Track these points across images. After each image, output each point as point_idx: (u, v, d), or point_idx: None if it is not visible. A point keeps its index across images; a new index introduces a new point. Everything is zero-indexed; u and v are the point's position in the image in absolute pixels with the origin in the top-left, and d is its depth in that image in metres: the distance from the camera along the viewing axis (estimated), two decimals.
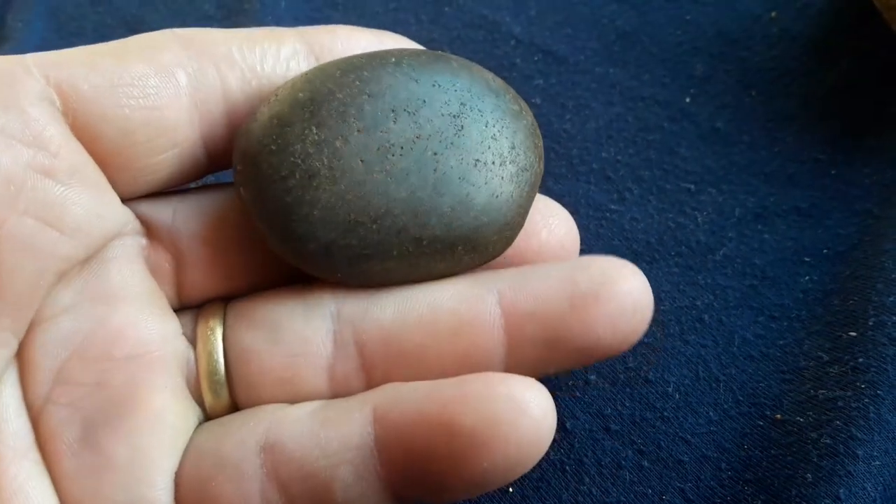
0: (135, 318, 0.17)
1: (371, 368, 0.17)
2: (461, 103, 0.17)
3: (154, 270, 0.18)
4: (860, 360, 0.19)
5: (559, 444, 0.20)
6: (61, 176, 0.15)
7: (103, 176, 0.16)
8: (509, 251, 0.18)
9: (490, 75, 0.17)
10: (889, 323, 0.19)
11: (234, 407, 0.18)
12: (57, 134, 0.15)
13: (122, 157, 0.16)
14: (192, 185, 0.19)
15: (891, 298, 0.20)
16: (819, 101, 0.24)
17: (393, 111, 0.16)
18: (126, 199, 0.17)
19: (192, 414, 0.17)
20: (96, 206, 0.16)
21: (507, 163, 0.17)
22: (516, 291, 0.17)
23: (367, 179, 0.16)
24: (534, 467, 0.19)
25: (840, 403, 0.18)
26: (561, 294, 0.16)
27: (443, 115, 0.16)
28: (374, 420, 0.16)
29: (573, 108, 0.25)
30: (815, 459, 0.18)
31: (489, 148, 0.17)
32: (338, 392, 0.17)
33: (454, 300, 0.17)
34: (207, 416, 0.18)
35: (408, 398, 0.16)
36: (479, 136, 0.17)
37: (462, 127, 0.16)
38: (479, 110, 0.17)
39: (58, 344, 0.16)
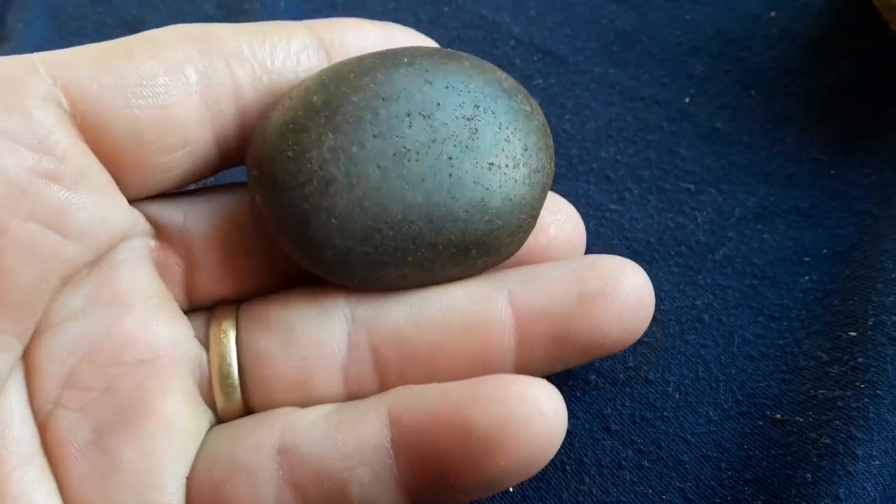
0: (144, 322, 0.17)
1: (385, 370, 0.17)
2: (475, 105, 0.16)
3: (164, 272, 0.18)
4: (860, 359, 0.19)
5: None
6: (66, 180, 0.15)
7: (110, 179, 0.16)
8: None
9: (502, 74, 0.17)
10: (889, 323, 0.19)
11: (246, 410, 0.18)
12: (62, 137, 0.15)
13: (132, 157, 0.16)
14: (203, 184, 0.19)
15: (890, 298, 0.20)
16: (819, 102, 0.24)
17: (408, 115, 0.16)
18: (137, 199, 0.17)
19: (203, 418, 0.17)
20: (102, 210, 0.16)
21: (521, 165, 0.17)
22: (525, 291, 0.17)
23: (384, 185, 0.16)
24: None
25: (840, 403, 0.18)
26: (569, 293, 0.17)
27: (457, 117, 0.16)
28: (390, 422, 0.16)
29: (573, 108, 0.25)
30: (814, 459, 0.18)
31: (503, 150, 0.17)
32: (352, 394, 0.17)
33: (465, 301, 0.17)
34: (219, 420, 0.18)
35: (423, 400, 0.16)
36: (493, 138, 0.17)
37: (476, 130, 0.16)
38: (493, 112, 0.17)
39: (66, 349, 0.16)
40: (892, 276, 0.20)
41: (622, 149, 0.24)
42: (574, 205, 0.20)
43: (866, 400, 0.18)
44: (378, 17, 0.28)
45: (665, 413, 0.20)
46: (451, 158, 0.16)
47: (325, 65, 0.18)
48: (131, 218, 0.17)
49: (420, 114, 0.16)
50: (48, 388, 0.16)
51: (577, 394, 0.20)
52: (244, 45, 0.17)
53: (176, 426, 0.16)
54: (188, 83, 0.16)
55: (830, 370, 0.19)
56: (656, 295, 0.18)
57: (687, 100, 0.25)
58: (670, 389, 0.20)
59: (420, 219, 0.16)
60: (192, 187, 0.19)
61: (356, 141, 0.16)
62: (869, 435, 0.18)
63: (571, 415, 0.20)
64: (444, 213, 0.16)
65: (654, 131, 0.25)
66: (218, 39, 0.17)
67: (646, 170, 0.24)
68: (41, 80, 0.15)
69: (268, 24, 0.18)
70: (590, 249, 0.20)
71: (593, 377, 0.20)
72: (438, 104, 0.16)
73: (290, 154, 0.16)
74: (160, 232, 0.18)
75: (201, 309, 0.18)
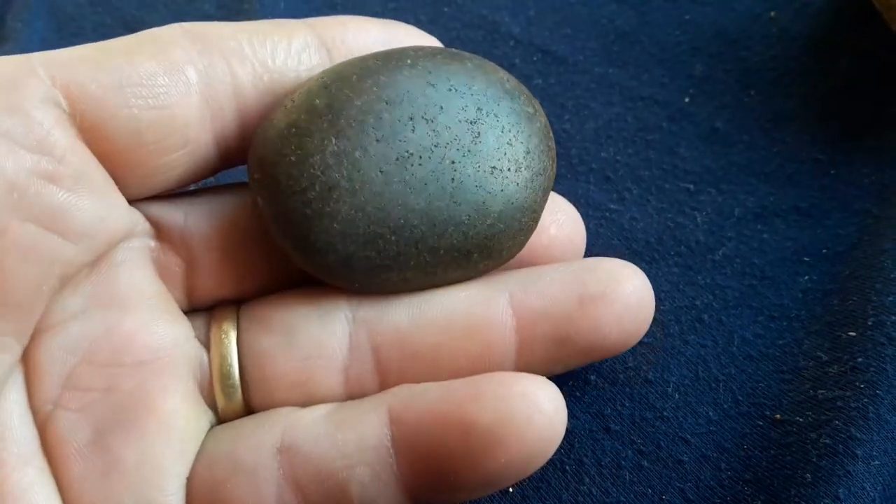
0: (144, 323, 0.17)
1: (386, 370, 0.17)
2: (478, 108, 0.16)
3: (164, 273, 0.18)
4: (859, 359, 0.19)
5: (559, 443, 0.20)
6: (65, 181, 0.15)
7: (109, 179, 0.16)
8: None
9: (504, 75, 0.17)
10: (888, 322, 0.19)
11: (247, 410, 0.18)
12: (62, 138, 0.15)
13: (132, 157, 0.16)
14: (203, 185, 0.19)
15: (890, 298, 0.20)
16: (818, 101, 0.24)
17: (411, 119, 0.16)
18: (137, 200, 0.17)
19: (203, 418, 0.17)
20: (101, 210, 0.16)
21: (523, 168, 0.17)
22: (526, 293, 0.17)
23: (386, 190, 0.16)
24: None
25: (839, 403, 0.18)
26: (569, 295, 0.17)
27: (460, 121, 0.16)
28: (390, 421, 0.16)
29: (572, 108, 0.25)
30: (814, 459, 0.18)
31: (505, 154, 0.17)
32: (353, 394, 0.17)
33: (467, 303, 0.17)
34: (220, 420, 0.18)
35: (423, 398, 0.16)
36: (495, 142, 0.16)
37: (479, 133, 0.16)
38: (496, 115, 0.17)
39: (66, 349, 0.16)
40: (892, 275, 0.20)
41: (622, 149, 0.24)
42: (574, 205, 0.20)
43: (866, 400, 0.18)
44: (377, 17, 0.28)
45: (665, 413, 0.20)
46: (453, 163, 0.16)
47: (327, 64, 0.17)
48: (131, 218, 0.17)
49: (423, 117, 0.16)
50: (48, 389, 0.16)
51: (577, 394, 0.20)
52: (245, 45, 0.17)
53: (176, 426, 0.16)
54: (188, 83, 0.16)
55: (830, 370, 0.19)
56: (656, 295, 0.18)
57: (687, 100, 0.25)
58: (670, 389, 0.20)
59: (422, 223, 0.16)
60: (193, 188, 0.19)
61: (359, 145, 0.16)
62: (868, 435, 0.18)
63: (571, 415, 0.20)
64: (447, 217, 0.16)
65: (653, 131, 0.25)
66: (218, 38, 0.17)
67: (645, 170, 0.24)
68: (40, 80, 0.15)
69: (269, 23, 0.17)
70: (590, 249, 0.20)
71: (593, 377, 0.20)
72: (441, 107, 0.16)
73: (292, 158, 0.16)
74: (160, 232, 0.18)
75: (201, 309, 0.18)
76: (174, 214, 0.18)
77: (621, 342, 0.17)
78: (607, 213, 0.23)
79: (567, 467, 0.19)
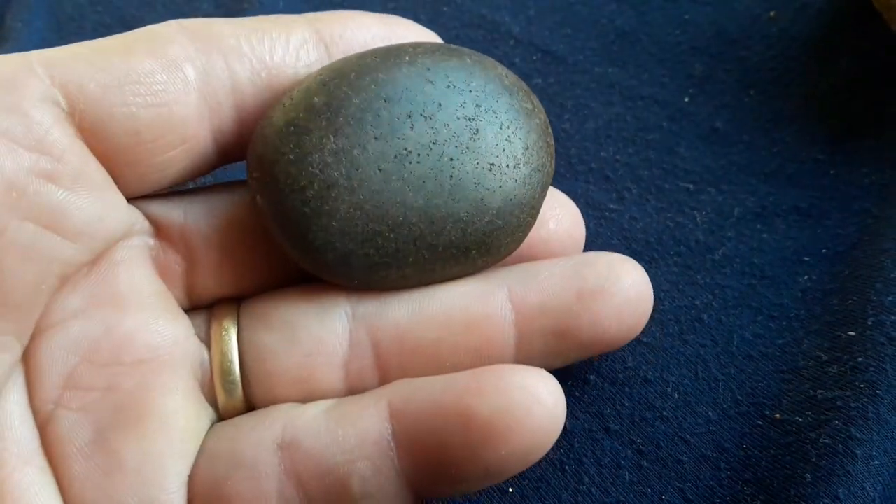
0: (144, 322, 0.17)
1: (386, 366, 0.17)
2: (476, 105, 0.16)
3: (164, 271, 0.18)
4: (859, 359, 0.19)
5: (559, 443, 0.20)
6: (64, 180, 0.15)
7: (108, 178, 0.16)
8: None
9: (503, 71, 0.17)
10: (888, 322, 0.19)
11: (248, 407, 0.18)
12: (60, 137, 0.15)
13: (131, 155, 0.16)
14: (202, 183, 0.19)
15: (889, 298, 0.20)
16: (818, 101, 0.24)
17: (409, 116, 0.16)
18: (136, 197, 0.17)
19: (204, 416, 0.17)
20: (99, 209, 0.16)
21: (521, 165, 0.17)
22: (525, 287, 0.17)
23: (385, 188, 0.16)
24: (533, 467, 0.19)
25: (839, 403, 0.18)
26: (568, 289, 0.17)
27: (458, 118, 0.16)
28: (390, 415, 0.16)
29: (572, 108, 0.25)
30: (813, 459, 0.18)
31: (504, 151, 0.17)
32: (353, 389, 0.17)
33: (466, 298, 0.17)
34: (220, 417, 0.18)
35: (423, 392, 0.16)
36: (494, 139, 0.16)
37: (477, 130, 0.16)
38: (494, 111, 0.17)
39: (67, 349, 0.16)
40: (892, 275, 0.20)
41: (621, 148, 0.24)
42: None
43: (865, 400, 0.18)
44: None
45: (664, 413, 0.20)
46: (452, 160, 0.16)
47: (325, 60, 0.17)
48: (130, 217, 0.17)
49: (421, 115, 0.16)
50: (48, 389, 0.16)
51: (577, 393, 0.20)
52: (243, 41, 0.17)
53: (177, 425, 0.16)
54: (186, 80, 0.16)
55: (830, 370, 0.19)
56: (655, 295, 0.18)
57: (686, 99, 0.25)
58: (669, 389, 0.20)
59: (421, 221, 0.16)
60: (191, 186, 0.19)
61: (357, 143, 0.16)
62: (868, 435, 0.18)
63: (571, 415, 0.20)
64: (445, 214, 0.16)
65: (653, 131, 0.25)
66: (216, 35, 0.17)
67: (645, 169, 0.24)
68: (39, 79, 0.15)
69: (267, 19, 0.17)
70: (589, 249, 0.20)
71: (592, 377, 0.20)
72: (440, 105, 0.16)
73: (291, 157, 0.16)
74: (160, 231, 0.18)
75: (202, 307, 0.18)
76: (174, 213, 0.18)
77: (620, 336, 0.17)
78: (607, 213, 0.23)
79: (566, 467, 0.19)
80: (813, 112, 0.24)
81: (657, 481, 0.19)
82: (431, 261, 0.17)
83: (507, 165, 0.17)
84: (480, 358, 0.17)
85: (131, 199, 0.17)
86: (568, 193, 0.20)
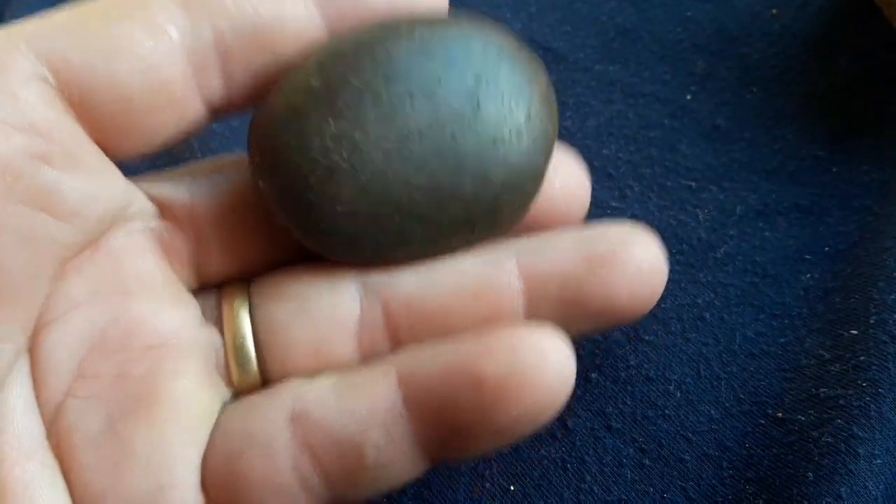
0: (152, 308, 0.17)
1: (397, 334, 0.17)
2: (476, 76, 0.16)
3: (172, 252, 0.18)
4: (861, 358, 0.19)
5: (560, 442, 0.20)
6: (56, 160, 0.15)
7: (102, 155, 0.16)
8: None
9: (504, 37, 0.17)
10: (890, 321, 0.19)
11: (263, 383, 0.17)
12: (51, 116, 0.15)
13: (123, 122, 0.16)
14: (207, 172, 0.19)
15: (892, 296, 0.20)
16: (820, 99, 0.24)
17: (410, 95, 0.16)
18: (130, 160, 0.17)
19: (217, 398, 0.17)
20: (93, 188, 0.16)
21: (524, 135, 0.16)
22: (534, 256, 0.17)
23: (388, 170, 0.16)
24: (535, 465, 0.19)
25: (841, 402, 0.18)
26: (578, 256, 0.17)
27: (459, 92, 0.16)
28: (399, 381, 0.16)
29: (573, 106, 0.25)
30: (816, 458, 0.18)
31: (506, 122, 0.16)
32: (366, 359, 0.17)
33: (474, 266, 0.17)
34: (237, 396, 0.17)
35: (432, 356, 0.16)
36: (495, 111, 0.16)
37: (478, 103, 0.16)
38: (495, 82, 0.16)
39: (74, 340, 0.16)
40: (894, 273, 0.20)
41: (623, 146, 0.24)
42: None
43: (868, 398, 0.18)
44: None
45: (666, 411, 0.20)
46: (454, 136, 0.16)
47: (316, 15, 0.17)
48: (127, 195, 0.17)
49: (421, 92, 0.16)
50: (56, 381, 0.16)
51: (578, 392, 0.20)
52: None
53: (188, 408, 0.16)
54: (171, 41, 0.16)
55: (832, 368, 0.19)
56: None
57: (688, 97, 0.25)
58: (671, 388, 0.20)
59: (426, 200, 0.16)
60: (194, 182, 0.19)
61: (358, 126, 0.16)
62: (871, 433, 0.18)
63: (573, 413, 0.20)
64: (450, 191, 0.16)
65: (655, 128, 0.24)
66: None
67: (647, 167, 0.24)
68: (24, 56, 0.15)
69: None
70: None
71: (594, 375, 0.20)
72: (440, 80, 0.16)
73: (291, 143, 0.16)
74: (165, 212, 0.18)
75: (211, 288, 0.18)
76: (179, 193, 0.18)
77: (632, 307, 0.17)
78: (609, 211, 0.23)
79: (568, 465, 0.19)
80: (814, 109, 0.24)
81: (659, 480, 0.19)
82: (438, 238, 0.17)
83: (510, 137, 0.16)
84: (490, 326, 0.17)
85: (125, 165, 0.17)
86: None
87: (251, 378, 0.17)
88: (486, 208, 0.17)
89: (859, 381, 0.18)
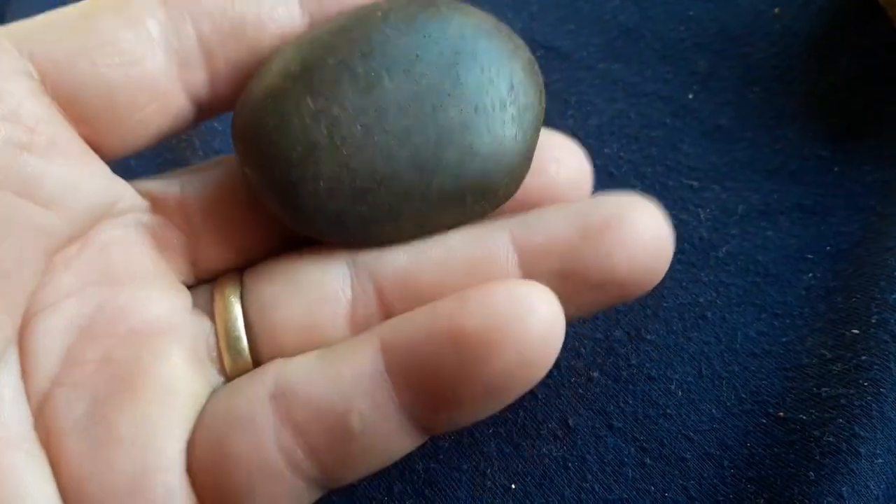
0: (140, 296, 0.17)
1: (389, 311, 0.17)
2: (455, 51, 0.16)
3: (164, 246, 0.18)
4: (863, 357, 0.19)
5: (562, 440, 0.20)
6: (38, 149, 0.15)
7: (85, 147, 0.16)
8: (518, 192, 0.17)
9: (482, 15, 0.17)
10: (892, 320, 0.19)
11: (255, 366, 0.17)
12: (33, 108, 0.15)
13: (108, 117, 0.16)
14: (199, 169, 0.19)
15: (893, 296, 0.20)
16: (821, 98, 0.24)
17: (387, 70, 0.16)
18: (117, 159, 0.17)
19: (205, 383, 0.17)
20: (75, 177, 0.16)
21: (508, 105, 0.16)
22: (528, 229, 0.17)
23: (369, 143, 0.16)
24: (536, 464, 0.19)
25: (843, 401, 0.18)
26: (573, 227, 0.16)
27: (438, 66, 0.16)
28: (382, 348, 0.16)
29: (575, 105, 0.25)
30: (817, 457, 0.18)
31: (487, 93, 0.16)
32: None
33: (466, 240, 0.17)
34: (229, 381, 0.17)
35: (411, 321, 0.16)
36: (475, 82, 0.16)
37: (458, 76, 0.16)
38: (473, 55, 0.16)
39: (62, 328, 0.16)
40: None
41: (625, 145, 0.24)
42: None
43: (869, 398, 0.18)
44: None
45: (668, 410, 0.20)
46: (434, 109, 0.16)
47: (296, 7, 0.17)
48: (112, 187, 0.17)
49: (399, 68, 0.16)
50: (45, 370, 0.16)
51: (580, 391, 0.20)
52: None
53: (174, 391, 0.16)
54: (151, 37, 0.16)
55: (833, 368, 0.19)
56: (659, 292, 0.18)
57: (690, 96, 0.25)
58: (673, 387, 0.20)
59: (410, 173, 0.16)
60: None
61: (336, 102, 0.16)
62: (872, 433, 0.18)
63: (574, 412, 0.20)
64: (434, 163, 0.16)
65: (657, 128, 0.24)
66: None
67: (648, 166, 0.24)
68: (7, 52, 0.15)
69: None
70: None
71: (596, 374, 0.20)
72: (417, 55, 0.16)
73: (271, 125, 0.16)
74: (157, 206, 0.18)
75: (206, 281, 0.18)
76: (171, 188, 0.18)
77: (634, 278, 0.16)
78: None
79: (570, 464, 0.19)
80: (816, 109, 0.24)
81: (660, 479, 0.19)
82: (427, 212, 0.17)
83: (493, 107, 0.16)
84: None
85: (113, 162, 0.17)
86: None
87: (243, 365, 0.17)
88: (474, 179, 0.16)
89: (861, 381, 0.18)
